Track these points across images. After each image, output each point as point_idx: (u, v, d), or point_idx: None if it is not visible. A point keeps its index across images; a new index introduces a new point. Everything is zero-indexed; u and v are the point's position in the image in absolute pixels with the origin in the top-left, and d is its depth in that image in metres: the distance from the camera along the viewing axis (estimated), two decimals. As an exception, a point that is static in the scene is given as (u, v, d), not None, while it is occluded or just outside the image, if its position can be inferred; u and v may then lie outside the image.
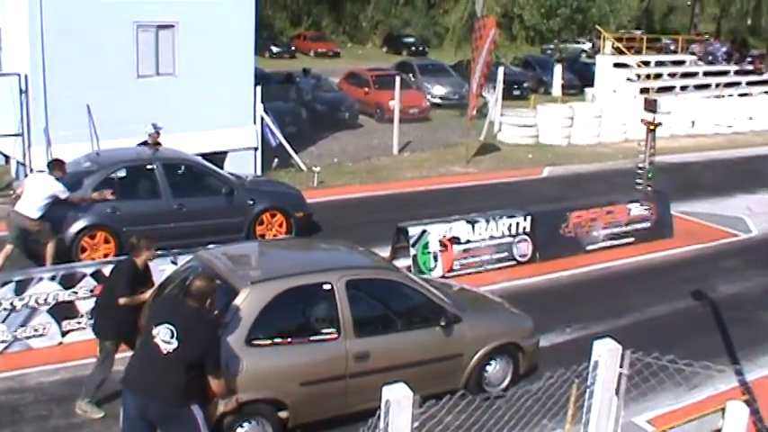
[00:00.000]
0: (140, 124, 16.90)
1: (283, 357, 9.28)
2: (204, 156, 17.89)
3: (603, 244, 17.73)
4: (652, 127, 19.19)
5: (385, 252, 15.02)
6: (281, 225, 16.71)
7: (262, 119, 22.67)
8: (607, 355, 7.20)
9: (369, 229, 17.15)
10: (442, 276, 15.05)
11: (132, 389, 8.07)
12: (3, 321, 11.62)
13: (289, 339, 9.42)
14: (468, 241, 15.81)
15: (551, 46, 64.86)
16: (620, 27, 63.64)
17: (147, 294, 9.96)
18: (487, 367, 10.80)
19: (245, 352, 8.93)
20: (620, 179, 22.73)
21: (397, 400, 6.27)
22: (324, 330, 9.61)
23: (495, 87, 30.55)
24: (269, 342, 9.24)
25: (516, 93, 38.61)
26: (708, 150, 31.48)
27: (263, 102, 22.59)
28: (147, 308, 9.59)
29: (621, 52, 40.06)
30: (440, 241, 15.51)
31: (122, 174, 15.64)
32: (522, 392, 7.46)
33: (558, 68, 41.82)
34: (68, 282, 12.01)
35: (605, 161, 28.02)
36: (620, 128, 31.72)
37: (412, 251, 15.20)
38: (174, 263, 12.22)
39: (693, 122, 35.01)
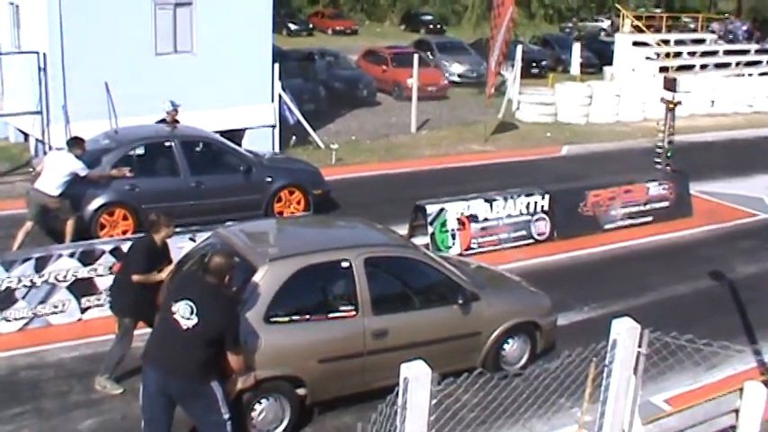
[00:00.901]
0: (158, 102, 16.91)
1: (301, 334, 9.28)
2: (222, 133, 17.91)
3: (622, 223, 17.69)
4: (672, 106, 19.09)
5: (403, 230, 14.97)
6: (299, 202, 16.75)
7: (280, 96, 22.65)
8: (626, 334, 7.18)
9: (386, 206, 17.13)
10: (460, 254, 15.02)
11: (152, 365, 8.12)
12: (23, 298, 11.71)
13: (307, 316, 9.42)
14: (485, 219, 15.80)
15: (570, 24, 64.80)
16: (639, 5, 63.41)
17: (165, 273, 9.96)
18: (505, 346, 10.81)
19: (263, 329, 8.94)
20: (639, 158, 22.63)
21: (416, 377, 6.28)
22: (342, 308, 9.62)
23: (513, 65, 30.41)
24: (287, 319, 9.23)
25: (535, 71, 38.38)
26: (727, 130, 31.28)
27: (280, 79, 22.56)
28: (165, 285, 9.62)
29: (641, 30, 39.81)
30: (458, 219, 15.51)
31: (141, 151, 15.66)
32: (540, 371, 7.48)
33: (576, 47, 41.57)
34: (87, 259, 12.07)
35: (624, 140, 27.90)
36: (639, 107, 31.50)
37: (430, 229, 15.20)
38: (193, 240, 12.26)
39: (713, 102, 34.73)
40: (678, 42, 41.95)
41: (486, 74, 29.58)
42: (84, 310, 12.11)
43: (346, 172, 21.12)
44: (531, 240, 16.37)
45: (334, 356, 9.39)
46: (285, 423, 9.25)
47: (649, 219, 18.04)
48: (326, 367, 9.34)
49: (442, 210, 15.42)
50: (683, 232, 17.86)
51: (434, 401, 6.32)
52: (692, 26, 51.33)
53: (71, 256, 12.02)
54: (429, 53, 37.29)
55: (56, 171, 13.94)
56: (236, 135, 20.19)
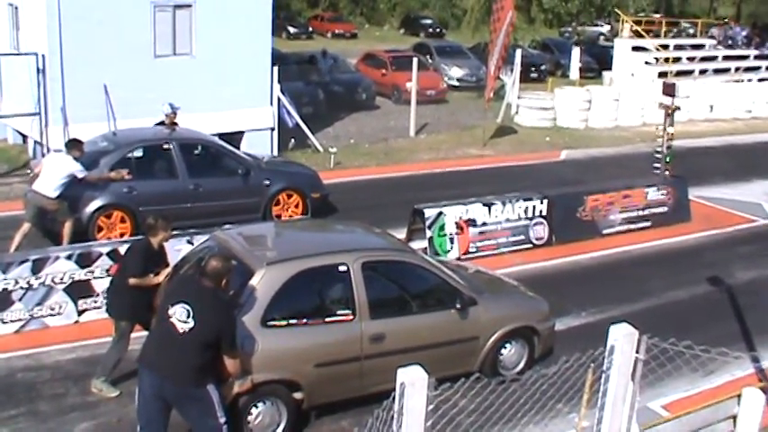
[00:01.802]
0: (157, 104, 16.89)
1: (298, 338, 9.27)
2: (221, 136, 17.91)
3: (620, 228, 17.68)
4: (670, 111, 19.07)
5: (401, 234, 14.98)
6: (297, 205, 16.75)
7: (279, 99, 22.64)
8: (623, 339, 7.15)
9: (385, 210, 17.13)
10: (458, 258, 15.02)
11: (148, 367, 8.10)
12: (20, 300, 11.69)
13: (304, 320, 9.39)
14: (484, 224, 15.79)
15: (569, 29, 64.75)
16: (638, 10, 63.44)
17: (161, 276, 9.93)
18: (503, 350, 10.84)
19: (260, 333, 8.94)
20: (638, 163, 22.61)
21: (413, 382, 6.24)
22: (339, 312, 9.61)
23: (512, 70, 30.44)
24: (284, 323, 9.22)
25: (534, 75, 38.47)
26: (726, 135, 31.27)
27: (279, 82, 22.55)
28: (162, 288, 9.60)
29: (640, 35, 39.85)
30: (456, 223, 15.49)
31: (139, 153, 15.61)
32: (538, 376, 7.45)
33: (575, 51, 41.61)
34: (85, 261, 12.05)
35: (623, 145, 27.87)
36: (638, 111, 31.53)
37: (428, 233, 15.18)
38: (191, 243, 12.26)
39: (712, 107, 34.77)
40: (677, 47, 42.03)
41: (485, 78, 29.56)
42: (80, 313, 12.08)
43: (345, 175, 21.11)
44: (529, 245, 16.34)
45: (330, 361, 9.36)
46: (282, 427, 9.23)
47: (648, 224, 18.02)
48: (323, 371, 9.32)
49: (440, 214, 15.40)
50: (681, 237, 17.85)
51: (431, 407, 6.29)
52: (691, 31, 51.34)
53: (68, 258, 11.99)
54: (428, 57, 37.24)
55: (54, 173, 13.92)
56: (234, 138, 20.19)
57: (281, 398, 9.18)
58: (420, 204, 15.60)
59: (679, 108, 19.46)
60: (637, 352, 7.23)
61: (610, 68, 39.42)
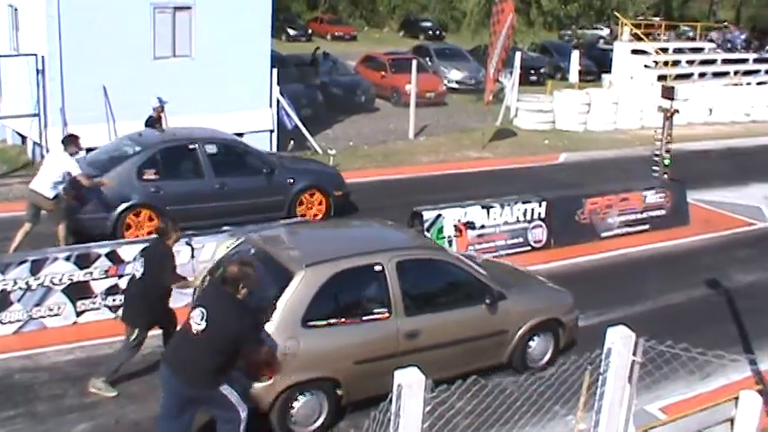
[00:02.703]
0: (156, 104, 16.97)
1: (338, 337, 9.54)
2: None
3: (619, 231, 17.68)
4: (669, 114, 19.09)
5: None
6: (320, 203, 17.00)
7: (278, 101, 22.66)
8: (620, 342, 7.15)
9: (383, 212, 16.98)
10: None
11: (166, 364, 8.26)
12: (18, 300, 11.69)
13: (342, 320, 9.65)
14: (482, 226, 15.79)
15: (569, 32, 64.74)
16: (638, 13, 63.43)
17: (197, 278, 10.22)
18: (530, 342, 11.18)
19: (301, 333, 9.22)
20: (637, 166, 22.65)
21: (409, 384, 6.25)
22: (375, 310, 9.87)
23: (511, 73, 30.43)
24: (324, 323, 9.48)
25: (533, 78, 38.48)
26: (725, 138, 31.31)
27: (279, 84, 22.57)
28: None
29: (639, 39, 39.87)
30: (455, 226, 15.50)
31: (166, 153, 15.82)
32: (535, 379, 7.47)
33: (575, 54, 41.43)
34: (83, 262, 12.04)
35: (622, 148, 27.91)
36: (637, 114, 31.57)
37: (427, 235, 15.16)
38: (189, 244, 12.29)
39: (711, 110, 34.80)
40: (677, 51, 42.05)
41: (484, 81, 29.57)
42: (79, 314, 12.07)
43: (344, 177, 21.06)
44: (528, 247, 16.34)
45: (368, 358, 9.63)
46: (322, 419, 9.52)
47: (646, 227, 18.03)
48: (362, 369, 9.58)
49: (439, 216, 15.41)
50: (679, 241, 17.84)
51: (428, 409, 6.30)
52: (690, 35, 51.39)
53: (67, 259, 11.99)
54: (428, 59, 37.25)
55: (50, 171, 13.94)
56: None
57: (324, 391, 9.48)
58: (419, 207, 15.60)
59: (678, 111, 19.49)
60: (634, 354, 7.24)
61: (609, 71, 39.41)
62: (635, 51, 39.35)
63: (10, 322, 11.67)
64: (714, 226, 18.99)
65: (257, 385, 8.92)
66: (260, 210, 15.65)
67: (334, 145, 24.02)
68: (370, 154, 24.49)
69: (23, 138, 21.30)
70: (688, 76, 39.09)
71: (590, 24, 67.60)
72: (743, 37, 47.73)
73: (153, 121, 17.42)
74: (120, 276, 12.05)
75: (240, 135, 21.27)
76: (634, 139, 29.03)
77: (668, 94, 19.34)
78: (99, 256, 12.16)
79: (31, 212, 14.15)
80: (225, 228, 13.38)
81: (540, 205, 16.49)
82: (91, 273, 12.08)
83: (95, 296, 12.08)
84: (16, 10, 20.86)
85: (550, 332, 11.32)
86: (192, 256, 12.38)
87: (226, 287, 8.19)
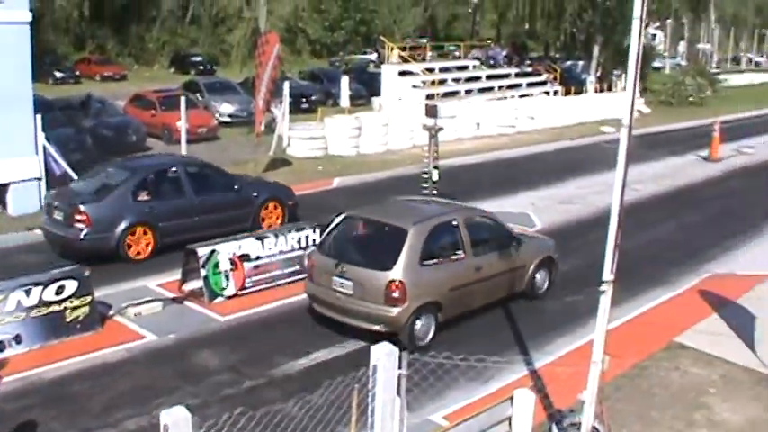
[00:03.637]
0: None
1: (439, 272, 13.38)
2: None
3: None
4: (434, 132, 19.59)
5: (176, 276, 15.22)
6: (278, 211, 19.65)
7: (44, 148, 21.69)
8: (385, 358, 7.20)
9: (163, 250, 16.93)
10: (235, 295, 14.93)
11: None
12: None
13: (441, 259, 13.53)
14: (258, 257, 15.60)
15: (338, 58, 65.83)
16: (405, 36, 65.26)
17: None
18: (536, 275, 15.33)
19: (419, 270, 12.99)
20: (408, 184, 22.93)
21: (176, 422, 6.23)
22: (457, 251, 13.81)
23: (281, 102, 30.45)
24: (432, 262, 13.32)
25: (305, 106, 38.71)
26: (493, 151, 32.59)
27: (44, 130, 21.60)
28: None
29: (406, 60, 40.90)
30: (230, 260, 15.23)
31: (153, 177, 18.23)
32: (303, 403, 7.37)
33: (344, 80, 42.20)
34: None
35: (394, 168, 28.44)
36: (408, 134, 32.30)
37: (203, 272, 14.86)
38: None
39: (478, 125, 36.13)
40: (443, 70, 43.49)
41: (255, 112, 29.48)
42: None
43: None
44: (305, 275, 16.22)
45: (457, 285, 13.48)
46: (431, 335, 13.20)
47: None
48: (454, 294, 13.44)
49: (213, 251, 15.10)
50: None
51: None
52: (456, 54, 53.27)
53: None
54: (199, 94, 36.87)
55: None
56: None
57: (432, 313, 13.20)
58: (191, 245, 15.26)
59: (442, 128, 20.02)
60: (399, 368, 7.30)
61: (379, 95, 40.21)
62: (402, 73, 40.40)
63: None
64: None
65: (395, 310, 12.57)
66: (232, 221, 18.23)
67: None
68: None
69: None
70: (455, 93, 40.46)
71: (358, 50, 69.02)
72: (504, 53, 49.94)
73: None
74: None
75: (5, 186, 20.35)
76: (405, 159, 29.65)
77: (431, 112, 19.89)
78: None
79: None
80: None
81: (314, 231, 16.43)
82: None
83: None
84: None
85: (547, 267, 15.51)
86: None
87: None
